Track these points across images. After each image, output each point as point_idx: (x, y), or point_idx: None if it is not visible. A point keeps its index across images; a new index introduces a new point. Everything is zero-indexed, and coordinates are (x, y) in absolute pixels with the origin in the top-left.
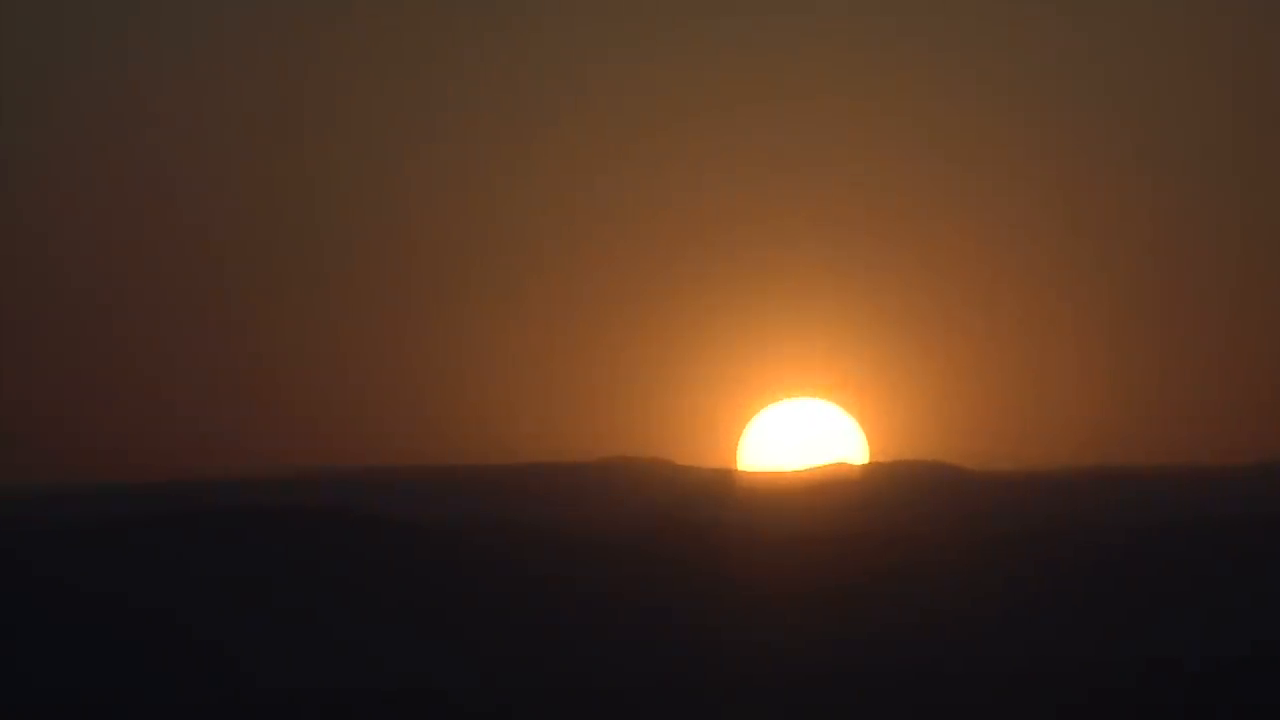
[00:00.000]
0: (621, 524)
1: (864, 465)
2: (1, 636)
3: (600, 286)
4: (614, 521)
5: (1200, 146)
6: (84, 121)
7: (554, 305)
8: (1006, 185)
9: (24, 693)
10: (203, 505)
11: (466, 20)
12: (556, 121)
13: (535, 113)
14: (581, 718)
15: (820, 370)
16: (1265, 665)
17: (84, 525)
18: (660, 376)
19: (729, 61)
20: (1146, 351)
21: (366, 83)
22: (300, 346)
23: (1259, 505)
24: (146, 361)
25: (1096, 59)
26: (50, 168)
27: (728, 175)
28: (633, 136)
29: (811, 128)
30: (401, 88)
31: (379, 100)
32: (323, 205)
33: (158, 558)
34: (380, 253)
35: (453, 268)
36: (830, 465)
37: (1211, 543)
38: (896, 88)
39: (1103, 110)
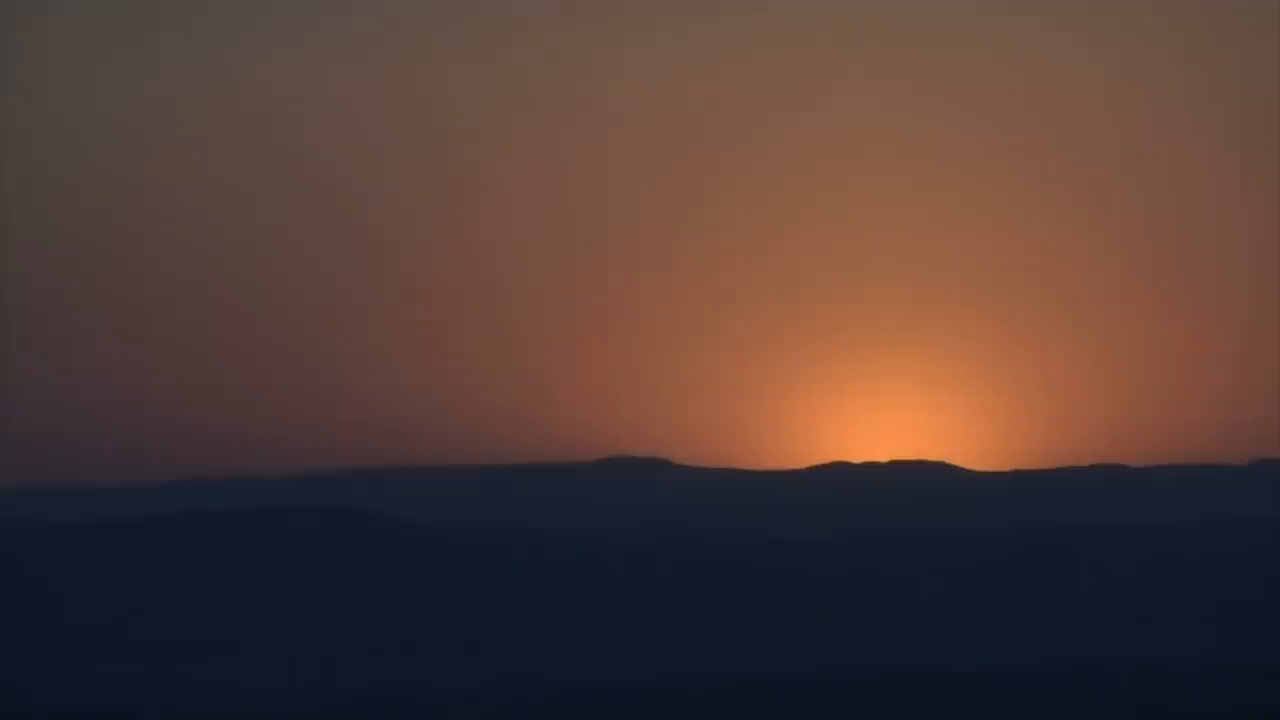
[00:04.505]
0: (621, 524)
1: (864, 465)
2: (7, 635)
3: (600, 287)
4: (614, 521)
5: (1199, 152)
6: (93, 123)
7: (554, 307)
8: (1007, 198)
9: (27, 692)
10: (206, 505)
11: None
12: (559, 124)
13: (541, 114)
14: (582, 717)
15: (819, 368)
16: (1264, 665)
17: (88, 525)
18: (660, 376)
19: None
20: (1146, 353)
21: (368, 83)
22: (302, 349)
23: (1258, 505)
24: (149, 363)
25: (1105, 75)
26: (58, 169)
27: (725, 180)
28: (627, 139)
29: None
30: (402, 87)
31: (380, 101)
32: (324, 210)
33: (163, 557)
34: (381, 256)
35: (454, 270)
36: (829, 465)
37: (1211, 542)
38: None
39: (1090, 121)
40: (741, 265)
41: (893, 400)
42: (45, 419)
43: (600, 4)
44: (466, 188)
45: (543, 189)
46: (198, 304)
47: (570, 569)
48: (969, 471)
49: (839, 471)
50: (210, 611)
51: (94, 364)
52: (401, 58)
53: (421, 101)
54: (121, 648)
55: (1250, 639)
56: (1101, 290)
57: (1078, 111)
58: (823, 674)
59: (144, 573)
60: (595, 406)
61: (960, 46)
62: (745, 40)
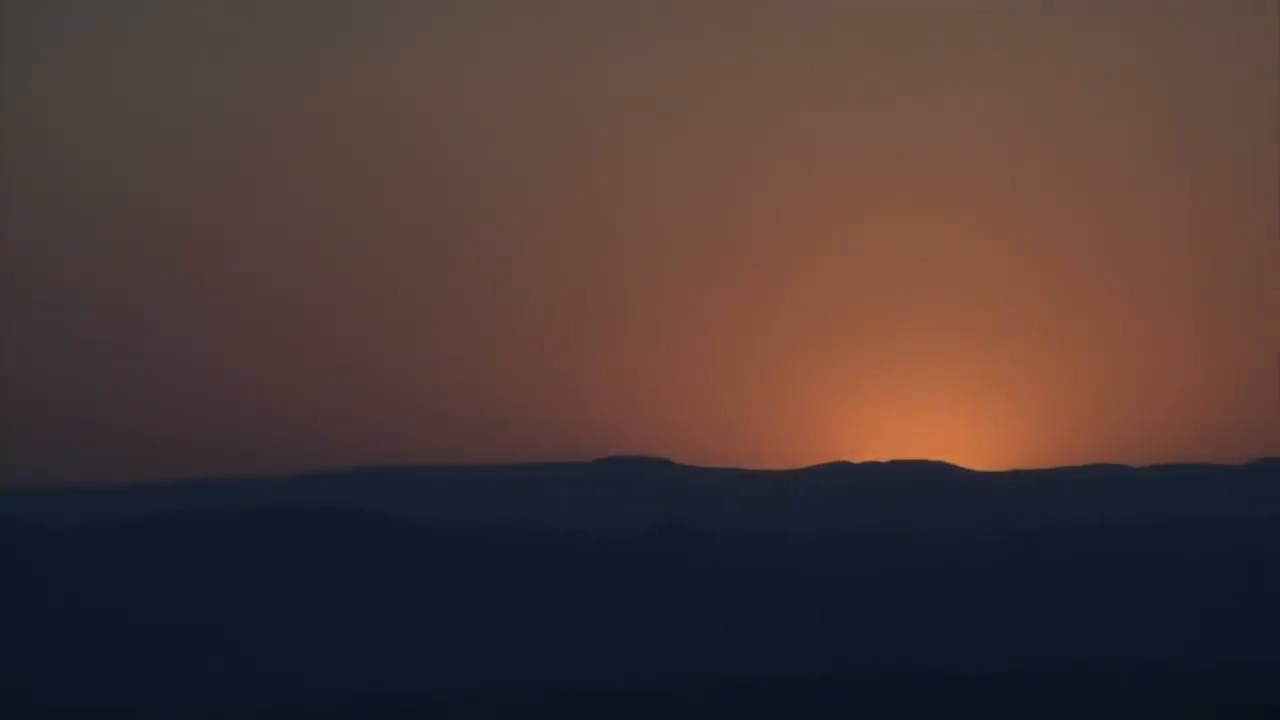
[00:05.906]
0: (621, 524)
1: (864, 465)
2: (7, 635)
3: (601, 287)
4: (614, 521)
5: (1198, 152)
6: (92, 121)
7: (555, 307)
8: (1006, 199)
9: (27, 692)
10: (206, 505)
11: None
12: (556, 123)
13: (540, 115)
14: (582, 717)
15: (820, 369)
16: (1264, 665)
17: (88, 525)
18: (660, 376)
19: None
20: (1145, 353)
21: (361, 82)
22: (302, 349)
23: (1257, 505)
24: (150, 363)
25: (1106, 77)
26: (58, 168)
27: (726, 181)
28: (626, 139)
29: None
30: (404, 87)
31: (379, 100)
32: (324, 210)
33: (163, 557)
34: (380, 256)
35: (453, 270)
36: (829, 465)
37: (1211, 542)
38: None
39: (1088, 122)
40: (742, 266)
41: (893, 400)
42: (45, 419)
43: (614, 7)
44: (464, 188)
45: (542, 189)
46: (198, 304)
47: (570, 569)
48: (969, 471)
49: (839, 471)
50: (210, 611)
51: (95, 364)
52: (362, 60)
53: (412, 102)
54: (121, 648)
55: (1250, 639)
56: (1101, 291)
57: (1076, 113)
58: (823, 674)
59: (144, 573)
60: (595, 406)
61: (968, 49)
62: (743, 41)
